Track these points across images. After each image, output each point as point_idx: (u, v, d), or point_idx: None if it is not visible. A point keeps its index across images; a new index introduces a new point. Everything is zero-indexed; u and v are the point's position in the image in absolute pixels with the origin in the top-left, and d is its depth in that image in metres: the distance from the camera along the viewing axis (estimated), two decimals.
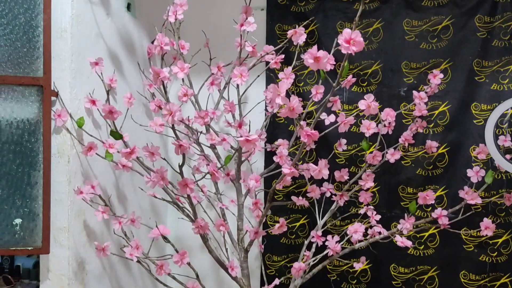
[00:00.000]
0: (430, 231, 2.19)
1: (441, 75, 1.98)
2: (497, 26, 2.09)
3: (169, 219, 2.50)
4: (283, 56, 1.73)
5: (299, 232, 2.35)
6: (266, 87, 2.36)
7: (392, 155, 2.01)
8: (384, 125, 1.93)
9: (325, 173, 1.37)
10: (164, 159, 1.62)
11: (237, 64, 1.79)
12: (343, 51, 1.12)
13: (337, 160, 2.27)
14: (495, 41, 2.10)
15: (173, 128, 1.44)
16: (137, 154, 1.55)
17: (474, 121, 2.14)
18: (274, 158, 1.74)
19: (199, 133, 1.86)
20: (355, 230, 1.73)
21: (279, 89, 1.18)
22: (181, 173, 1.55)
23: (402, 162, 2.21)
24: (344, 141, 2.11)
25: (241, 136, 1.31)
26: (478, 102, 2.13)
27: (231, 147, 1.77)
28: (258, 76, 1.92)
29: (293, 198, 1.77)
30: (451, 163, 2.17)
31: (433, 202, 1.89)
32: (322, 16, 2.29)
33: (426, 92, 2.00)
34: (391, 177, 2.23)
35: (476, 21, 2.11)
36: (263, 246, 2.25)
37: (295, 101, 1.21)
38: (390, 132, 1.97)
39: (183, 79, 1.73)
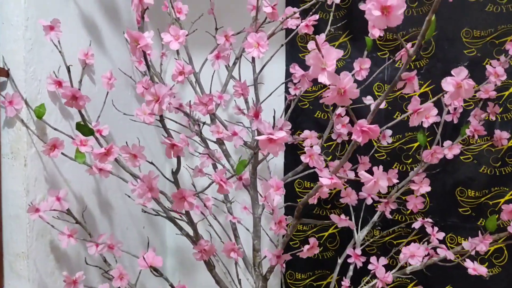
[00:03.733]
0: (496, 245, 1.78)
1: None
2: None
3: (168, 227, 2.12)
4: (316, 16, 1.29)
5: (328, 244, 1.95)
6: (287, 64, 1.94)
7: (450, 149, 1.59)
8: (448, 112, 1.50)
9: (384, 185, 0.95)
10: (152, 163, 1.21)
11: (251, 32, 1.37)
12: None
13: (376, 155, 1.85)
14: None
15: (161, 120, 1.03)
16: (116, 155, 1.15)
17: None
18: (302, 158, 1.33)
19: (202, 125, 1.45)
20: (413, 254, 1.32)
21: (324, 60, 0.76)
22: (175, 182, 1.15)
23: (461, 157, 1.79)
24: (389, 132, 1.69)
25: (259, 133, 0.90)
26: None
27: (245, 143, 1.35)
28: (282, 45, 1.48)
29: (333, 217, 1.31)
30: None
31: None
32: None
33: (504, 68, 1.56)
34: (446, 177, 1.81)
35: None
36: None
37: (348, 78, 0.79)
38: (455, 121, 1.55)
39: (177, 52, 1.32)
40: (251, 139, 1.54)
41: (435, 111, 1.40)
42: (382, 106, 1.63)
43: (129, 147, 1.06)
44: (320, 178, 0.97)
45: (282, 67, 1.94)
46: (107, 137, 1.37)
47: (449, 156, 1.59)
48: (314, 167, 1.30)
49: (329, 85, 0.78)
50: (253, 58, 1.30)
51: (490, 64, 1.70)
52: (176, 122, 1.56)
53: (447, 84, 0.88)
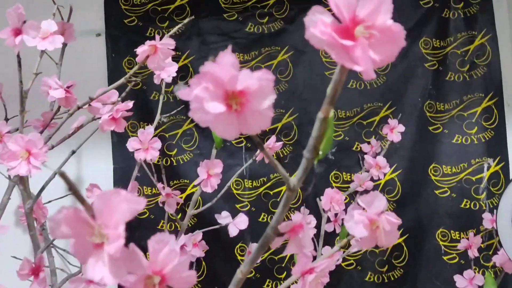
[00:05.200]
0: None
1: (401, 127, 1.29)
2: (450, 52, 1.51)
3: None
4: (130, 104, 0.83)
5: None
6: (114, 163, 1.46)
7: (331, 258, 1.23)
8: (328, 219, 1.15)
9: None
10: None
11: (40, 126, 0.88)
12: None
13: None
14: (450, 74, 1.50)
15: None
16: None
17: (436, 192, 1.48)
18: None
19: None
20: None
21: (100, 224, 0.31)
22: None
23: (343, 264, 1.45)
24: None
25: None
26: (438, 164, 1.49)
27: None
28: (73, 152, 0.96)
29: None
30: (412, 260, 1.47)
31: None
32: (198, 44, 1.50)
33: (378, 154, 1.30)
34: None
35: (422, 46, 1.50)
36: None
37: (169, 253, 0.35)
38: (338, 230, 1.20)
39: None
40: None
41: (313, 221, 1.05)
42: None
43: None
44: None
45: (108, 167, 1.46)
46: None
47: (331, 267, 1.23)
48: None
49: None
50: (21, 178, 0.78)
51: (361, 150, 1.45)
52: None
53: (355, 225, 0.50)
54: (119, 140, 1.45)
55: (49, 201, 1.19)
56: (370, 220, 0.51)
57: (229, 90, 0.36)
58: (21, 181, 0.77)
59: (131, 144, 0.93)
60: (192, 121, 1.51)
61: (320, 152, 0.41)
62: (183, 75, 1.48)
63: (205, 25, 1.50)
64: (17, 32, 0.71)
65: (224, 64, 0.35)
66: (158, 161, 1.08)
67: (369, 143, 1.43)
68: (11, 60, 1.40)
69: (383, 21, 0.35)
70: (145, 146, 0.94)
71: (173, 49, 0.78)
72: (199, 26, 1.50)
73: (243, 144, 1.50)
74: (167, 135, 1.48)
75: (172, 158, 1.47)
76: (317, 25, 0.35)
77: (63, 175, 0.32)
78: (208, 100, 0.35)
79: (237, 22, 1.51)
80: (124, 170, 1.43)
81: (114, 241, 0.32)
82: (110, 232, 0.33)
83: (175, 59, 1.46)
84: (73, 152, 0.79)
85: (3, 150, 0.69)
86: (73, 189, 0.33)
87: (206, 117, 0.36)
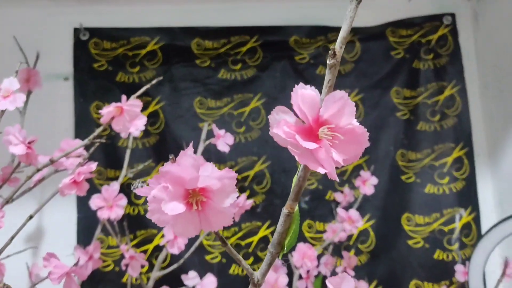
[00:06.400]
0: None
1: (374, 179, 1.29)
2: (421, 102, 1.54)
3: None
4: (93, 166, 0.79)
5: None
6: (78, 213, 1.42)
7: None
8: (300, 276, 1.13)
9: None
10: None
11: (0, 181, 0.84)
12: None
13: None
14: (420, 123, 1.53)
15: None
16: None
17: (409, 242, 1.48)
18: None
19: None
20: None
21: None
22: None
23: None
24: None
25: None
26: (411, 213, 1.50)
27: None
28: (31, 217, 0.92)
29: None
30: None
31: None
32: (169, 89, 1.50)
33: (351, 203, 1.30)
34: None
35: (393, 96, 1.53)
36: None
37: None
38: (310, 287, 1.18)
39: None
40: None
41: (285, 279, 1.03)
42: None
43: None
44: None
45: (72, 217, 1.41)
46: None
47: None
48: None
49: None
50: None
51: (334, 199, 1.44)
52: None
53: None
54: None
55: (7, 256, 1.14)
56: None
57: (190, 189, 0.35)
58: None
59: (95, 202, 0.91)
60: None
61: (285, 248, 0.40)
62: (153, 121, 1.46)
63: (177, 71, 1.50)
64: None
65: (185, 165, 0.34)
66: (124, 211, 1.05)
67: (342, 192, 1.43)
68: None
69: (347, 123, 0.35)
70: (109, 204, 0.91)
71: (143, 95, 0.76)
72: (171, 72, 1.50)
73: None
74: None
75: (139, 207, 1.44)
76: (280, 125, 0.35)
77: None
78: (167, 200, 0.34)
79: (210, 68, 1.51)
80: (89, 219, 1.38)
81: None
82: None
83: (146, 104, 1.45)
84: (31, 217, 0.75)
85: None
86: None
87: (165, 218, 0.35)
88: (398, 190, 1.50)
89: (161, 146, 1.47)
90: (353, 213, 1.18)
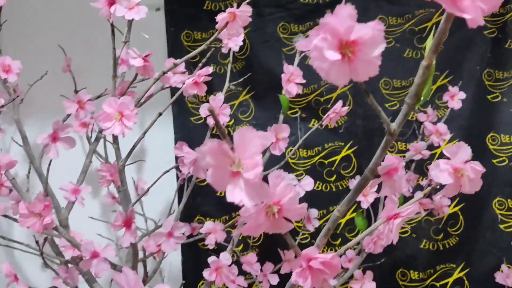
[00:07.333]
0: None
1: (462, 94, 1.31)
2: (509, 19, 1.49)
3: None
4: (209, 70, 0.90)
5: None
6: (176, 132, 1.54)
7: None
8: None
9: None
10: None
11: (117, 94, 0.96)
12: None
13: (300, 238, 1.49)
14: (509, 41, 1.50)
15: None
16: None
17: (494, 161, 1.50)
18: (205, 274, 0.92)
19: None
20: None
21: (238, 156, 0.38)
22: None
23: (400, 233, 1.50)
24: (314, 213, 1.34)
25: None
26: (496, 133, 1.50)
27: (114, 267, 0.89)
28: (160, 114, 1.04)
29: None
30: (468, 228, 1.50)
31: None
32: (254, 16, 1.54)
33: (434, 123, 1.32)
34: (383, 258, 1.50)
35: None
36: None
37: (285, 186, 0.41)
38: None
39: None
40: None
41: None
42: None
43: None
44: None
45: (169, 137, 1.54)
46: None
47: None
48: None
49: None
50: (115, 138, 0.86)
51: (417, 119, 1.47)
52: None
53: (440, 173, 0.54)
54: (179, 111, 1.53)
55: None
56: (454, 168, 0.55)
57: (343, 40, 0.41)
58: (115, 140, 0.85)
59: (203, 110, 1.00)
60: (248, 92, 1.57)
61: (422, 98, 0.46)
62: (240, 46, 1.53)
63: None
64: (111, 2, 0.78)
65: (342, 15, 0.40)
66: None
67: (425, 112, 1.45)
68: (78, 38, 1.50)
69: None
70: (216, 112, 1.00)
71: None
72: None
73: (298, 114, 1.55)
74: None
75: (229, 128, 1.54)
76: None
77: (211, 111, 0.38)
78: (326, 49, 0.41)
79: None
80: (185, 139, 1.50)
81: (252, 168, 0.38)
82: (247, 161, 0.39)
83: None
84: (160, 114, 0.86)
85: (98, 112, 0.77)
86: (217, 124, 0.39)
87: (323, 65, 0.42)
88: (483, 110, 1.49)
89: (247, 71, 1.54)
90: (441, 126, 1.21)
